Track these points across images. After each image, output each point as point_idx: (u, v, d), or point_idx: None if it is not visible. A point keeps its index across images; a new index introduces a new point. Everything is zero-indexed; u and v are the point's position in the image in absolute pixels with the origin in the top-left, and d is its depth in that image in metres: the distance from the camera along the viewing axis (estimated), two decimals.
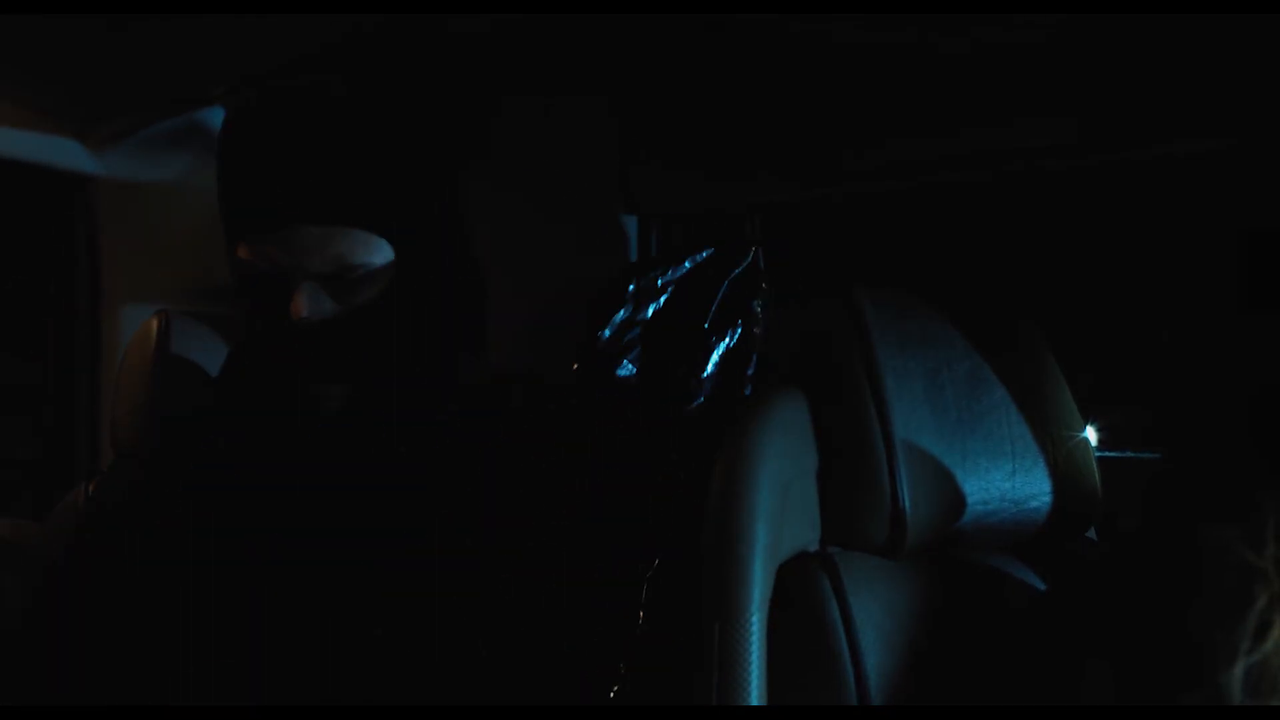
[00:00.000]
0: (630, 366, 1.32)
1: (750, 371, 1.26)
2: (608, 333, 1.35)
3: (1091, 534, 1.19)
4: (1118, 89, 1.11)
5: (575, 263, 1.53)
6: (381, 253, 1.04)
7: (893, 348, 1.02)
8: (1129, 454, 1.24)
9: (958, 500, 1.02)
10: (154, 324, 1.50)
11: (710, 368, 1.27)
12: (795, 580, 0.97)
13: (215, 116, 1.72)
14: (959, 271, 1.29)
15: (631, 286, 1.39)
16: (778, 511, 0.96)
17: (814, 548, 1.02)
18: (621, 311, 1.37)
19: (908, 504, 0.98)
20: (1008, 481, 1.05)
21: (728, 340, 1.29)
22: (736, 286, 1.35)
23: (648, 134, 1.53)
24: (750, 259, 1.39)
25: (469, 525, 1.03)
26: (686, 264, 1.41)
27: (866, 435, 0.99)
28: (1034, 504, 1.07)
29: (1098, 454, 1.16)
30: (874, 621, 0.96)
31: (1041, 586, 1.06)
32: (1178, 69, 1.05)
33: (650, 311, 1.37)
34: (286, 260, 1.02)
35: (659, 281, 1.40)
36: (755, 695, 0.92)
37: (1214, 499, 0.85)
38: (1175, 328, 0.92)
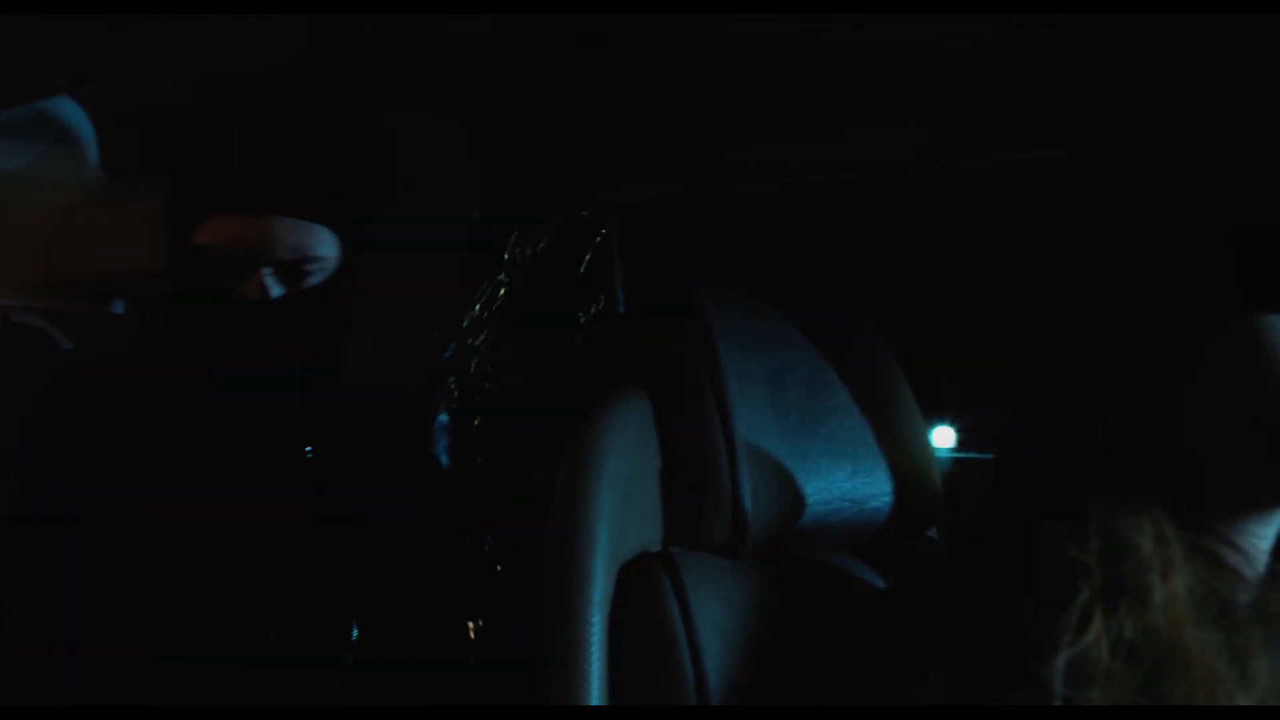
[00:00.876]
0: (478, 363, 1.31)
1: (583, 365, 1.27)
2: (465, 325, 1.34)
3: (933, 533, 1.21)
4: (966, 97, 1.14)
5: (431, 266, 1.52)
6: (330, 246, 1.08)
7: (735, 350, 1.03)
8: (971, 454, 1.28)
9: (799, 501, 1.03)
10: None
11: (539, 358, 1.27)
12: (637, 580, 0.98)
13: (63, 106, 1.68)
14: (808, 274, 1.31)
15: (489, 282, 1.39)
16: (619, 512, 0.96)
17: (656, 548, 1.03)
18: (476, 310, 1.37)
19: (749, 504, 0.99)
20: (848, 482, 1.07)
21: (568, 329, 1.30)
22: (585, 282, 1.35)
23: (505, 137, 1.53)
24: (601, 255, 1.39)
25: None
26: (535, 258, 1.41)
27: (708, 436, 1.00)
28: (875, 504, 1.09)
29: (941, 454, 1.19)
30: (715, 621, 0.96)
31: (881, 585, 1.08)
32: (1017, 80, 1.08)
33: (500, 308, 1.37)
34: (258, 244, 1.04)
35: (508, 277, 1.40)
36: (596, 695, 0.93)
37: (1047, 499, 0.87)
38: (1027, 329, 0.95)
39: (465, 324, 1.36)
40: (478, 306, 1.37)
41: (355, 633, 1.06)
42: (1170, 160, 0.89)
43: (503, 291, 1.38)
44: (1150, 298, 0.87)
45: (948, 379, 1.33)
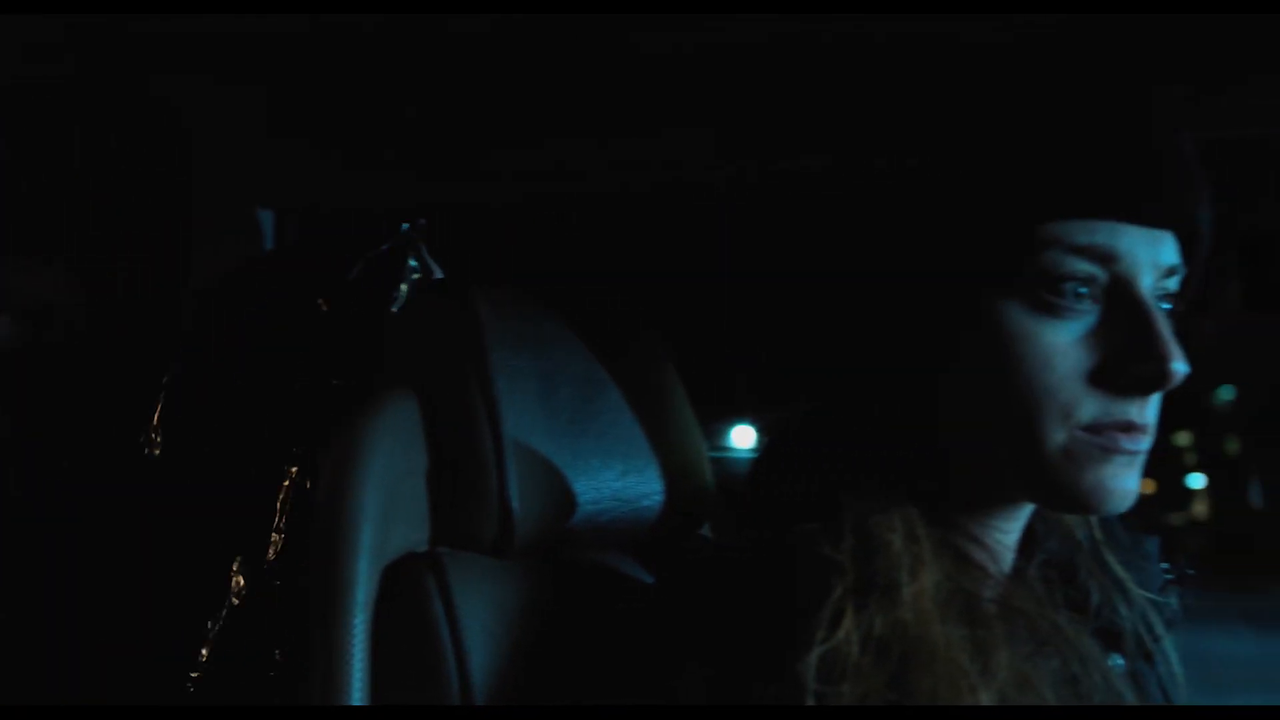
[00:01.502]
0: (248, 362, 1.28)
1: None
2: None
3: (706, 531, 1.23)
4: (750, 104, 1.16)
5: (201, 254, 1.48)
6: None
7: (507, 349, 1.03)
8: (738, 454, 1.30)
9: (568, 500, 1.04)
10: None
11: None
12: (401, 581, 0.97)
13: None
14: (590, 276, 1.32)
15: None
16: (384, 512, 0.95)
17: (423, 548, 1.02)
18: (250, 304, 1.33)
19: (516, 504, 0.99)
20: (619, 481, 1.08)
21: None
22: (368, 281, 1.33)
23: (290, 125, 1.49)
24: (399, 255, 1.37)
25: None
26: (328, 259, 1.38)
27: (475, 435, 0.99)
28: (646, 503, 1.10)
29: (711, 455, 1.21)
30: (480, 621, 0.96)
31: (651, 583, 1.10)
32: (798, 89, 1.11)
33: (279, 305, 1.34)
34: None
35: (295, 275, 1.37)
36: (358, 696, 0.92)
37: (806, 497, 0.89)
38: (823, 333, 0.97)
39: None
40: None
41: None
42: (936, 167, 0.91)
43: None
44: (910, 300, 0.90)
45: (745, 379, 1.35)
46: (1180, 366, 0.86)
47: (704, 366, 1.31)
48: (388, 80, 1.29)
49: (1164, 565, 1.10)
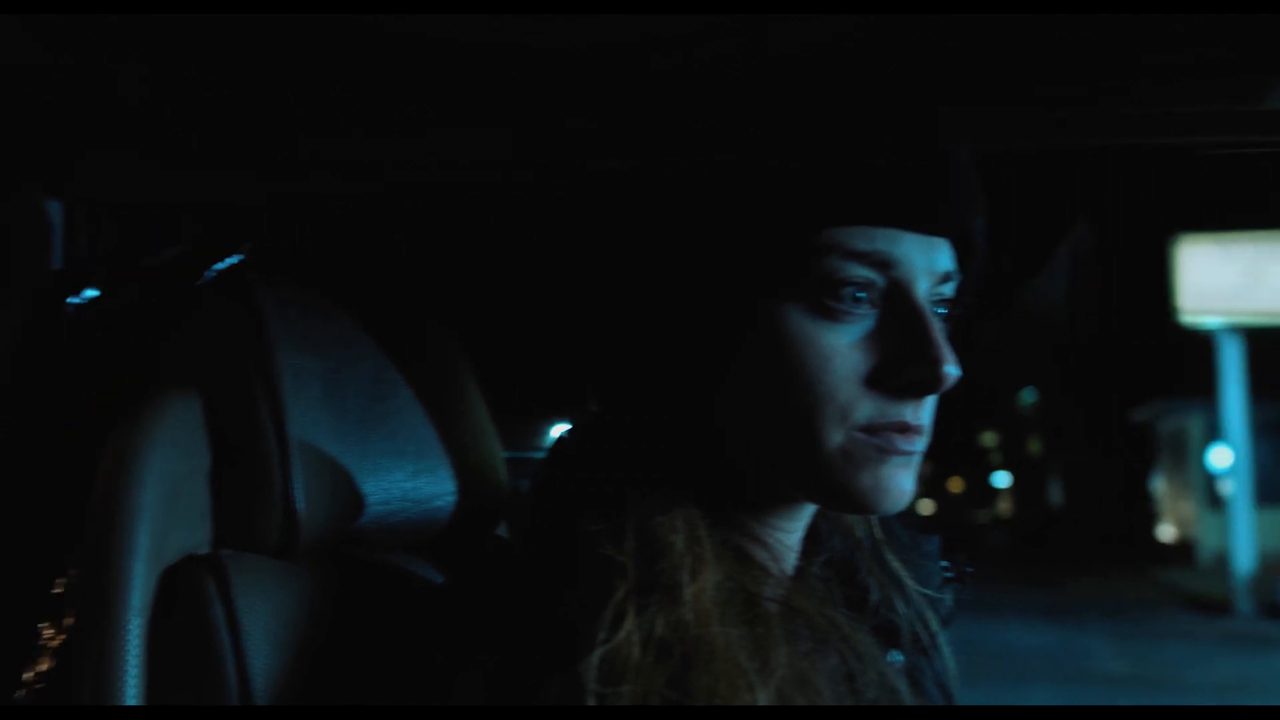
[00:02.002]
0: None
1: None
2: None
3: (502, 530, 1.24)
4: (548, 105, 1.16)
5: None
6: None
7: (293, 347, 1.01)
8: (529, 454, 1.30)
9: (356, 500, 1.03)
10: None
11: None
12: (180, 584, 0.95)
13: None
14: (388, 275, 1.31)
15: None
16: (163, 513, 0.93)
17: (205, 550, 1.00)
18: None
19: (301, 504, 0.98)
20: (410, 482, 1.07)
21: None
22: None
23: (89, 113, 1.44)
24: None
25: None
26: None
27: (258, 435, 0.98)
28: (438, 503, 1.10)
29: (506, 454, 1.21)
30: (262, 624, 0.95)
31: (440, 582, 1.09)
32: (592, 92, 1.11)
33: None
34: None
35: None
36: (131, 699, 0.90)
37: (590, 497, 0.90)
38: (608, 334, 0.97)
39: None
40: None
41: None
42: (720, 172, 0.92)
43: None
44: (692, 303, 0.91)
45: (553, 379, 1.35)
46: (952, 370, 0.88)
47: (520, 366, 1.31)
48: (184, 68, 1.26)
49: (943, 563, 1.14)
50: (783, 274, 0.88)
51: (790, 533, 0.99)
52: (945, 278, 0.92)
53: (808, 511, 0.99)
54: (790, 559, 0.99)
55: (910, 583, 1.07)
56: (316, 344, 1.04)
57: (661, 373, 0.93)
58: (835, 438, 0.89)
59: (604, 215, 0.97)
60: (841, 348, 0.88)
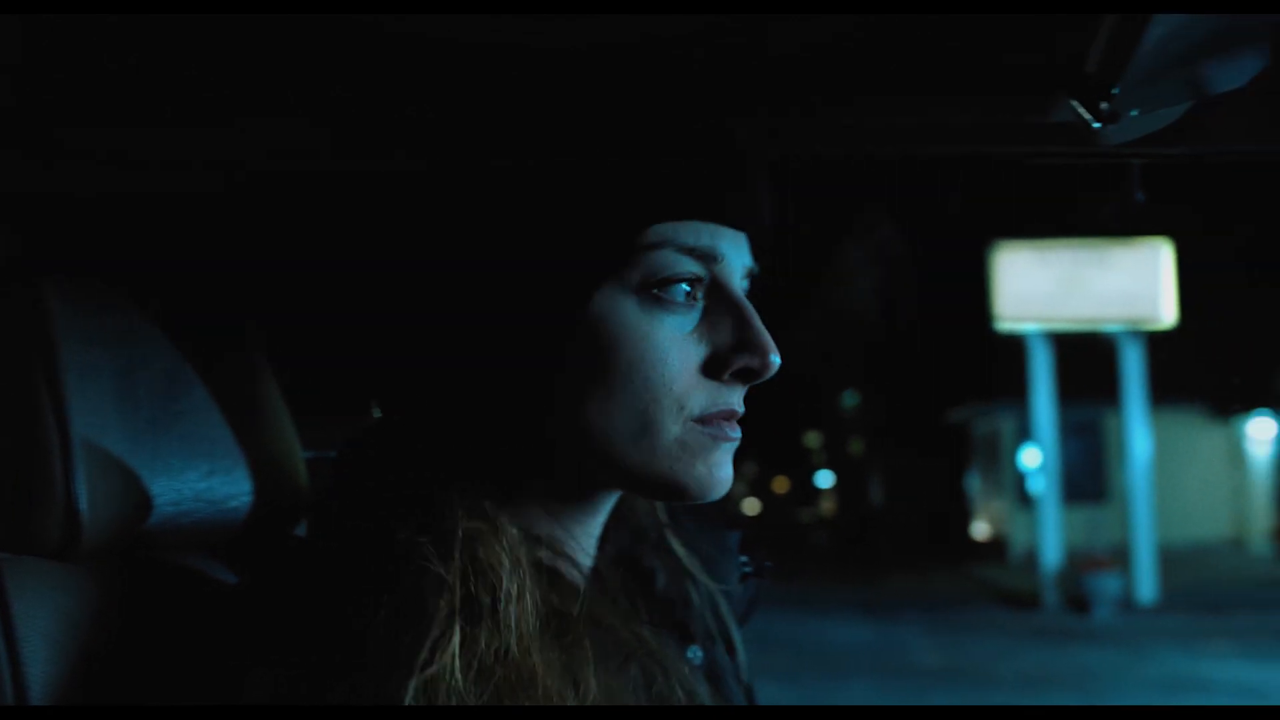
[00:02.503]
0: None
1: None
2: None
3: (301, 531, 1.21)
4: (368, 102, 1.14)
5: None
6: None
7: (79, 344, 0.98)
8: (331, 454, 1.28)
9: (145, 501, 1.00)
10: None
11: None
12: None
13: None
14: (190, 271, 1.27)
15: None
16: None
17: None
18: None
19: (84, 505, 0.94)
20: (204, 482, 1.04)
21: None
22: None
23: None
24: None
25: None
26: None
27: (38, 434, 0.94)
28: (234, 504, 1.07)
29: (307, 455, 1.19)
30: (41, 629, 0.91)
31: (234, 583, 1.07)
32: (418, 88, 1.10)
33: None
34: None
35: None
36: None
37: (407, 501, 0.88)
38: (431, 333, 0.95)
39: None
40: None
41: None
42: (553, 169, 0.92)
43: None
44: (524, 300, 0.91)
45: (357, 378, 1.33)
46: (777, 359, 0.93)
47: (324, 365, 1.29)
48: None
49: (742, 559, 1.16)
50: (617, 269, 0.90)
51: (590, 534, 1.00)
52: (749, 273, 0.97)
53: (608, 507, 1.00)
54: (587, 559, 0.99)
55: (706, 579, 1.09)
56: (107, 340, 1.01)
57: (486, 371, 0.92)
58: (673, 429, 0.91)
59: (423, 211, 0.96)
60: (677, 339, 0.91)
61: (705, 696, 1.02)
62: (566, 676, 0.86)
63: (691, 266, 0.91)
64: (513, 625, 0.83)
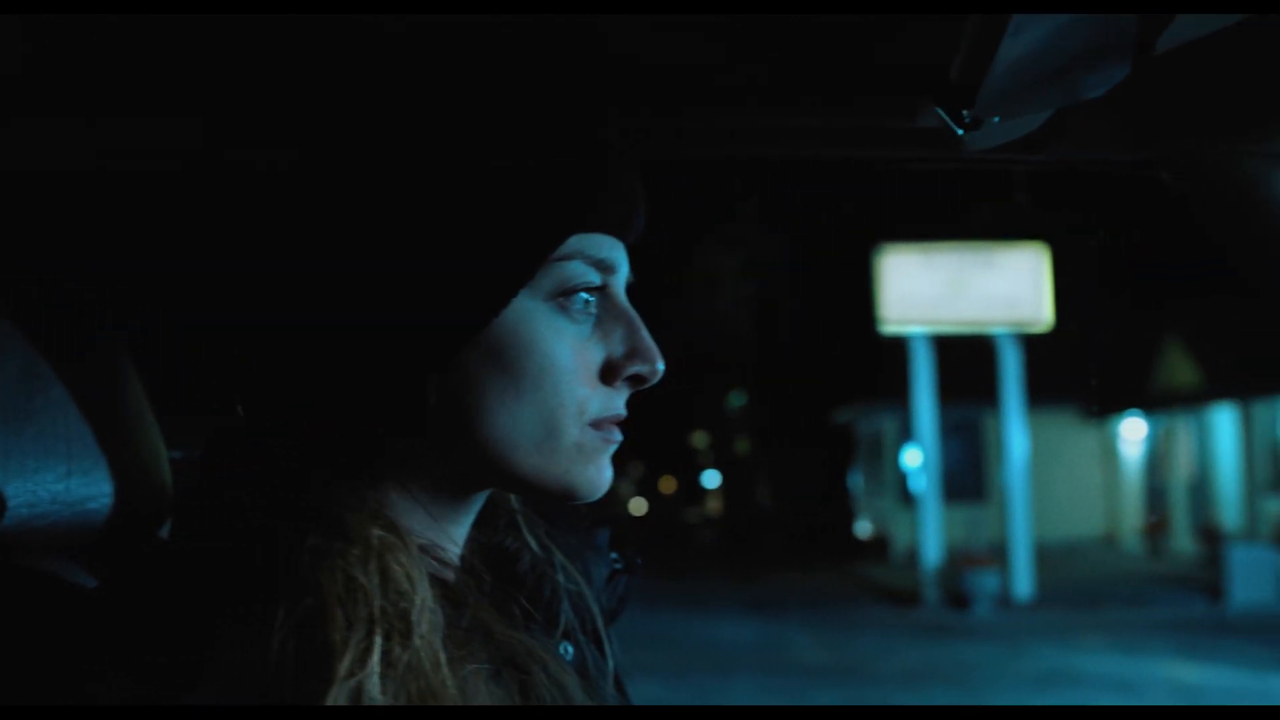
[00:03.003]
0: None
1: None
2: None
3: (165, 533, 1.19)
4: (239, 92, 1.13)
5: None
6: None
7: None
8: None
9: None
10: None
11: None
12: None
13: None
14: (47, 265, 1.24)
15: None
16: None
17: None
18: None
19: None
20: (61, 484, 1.02)
21: None
22: None
23: None
24: None
25: None
26: None
27: None
28: (93, 505, 1.05)
29: (172, 455, 1.17)
30: None
31: (93, 586, 1.04)
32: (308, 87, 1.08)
33: None
34: None
35: None
36: None
37: (282, 502, 0.87)
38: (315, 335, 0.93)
39: None
40: None
41: None
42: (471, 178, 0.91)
43: None
44: (420, 308, 0.90)
45: (226, 377, 1.30)
46: (662, 365, 0.97)
47: (191, 364, 1.26)
48: None
49: (613, 556, 1.16)
50: (529, 279, 0.91)
51: (463, 536, 1.00)
52: (629, 282, 0.99)
53: (479, 507, 1.00)
54: (456, 553, 0.99)
55: (579, 576, 1.09)
56: None
57: (380, 373, 0.91)
58: (573, 433, 0.93)
59: (313, 209, 0.94)
60: (579, 347, 0.94)
61: (580, 696, 1.03)
62: (461, 689, 0.85)
63: (594, 277, 0.93)
64: (425, 637, 0.83)
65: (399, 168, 0.92)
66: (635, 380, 0.96)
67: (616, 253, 0.96)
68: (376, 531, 0.86)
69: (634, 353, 0.95)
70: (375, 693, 0.78)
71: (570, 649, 1.07)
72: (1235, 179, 1.20)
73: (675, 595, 16.27)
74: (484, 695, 0.87)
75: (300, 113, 1.06)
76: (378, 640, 0.80)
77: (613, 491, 0.99)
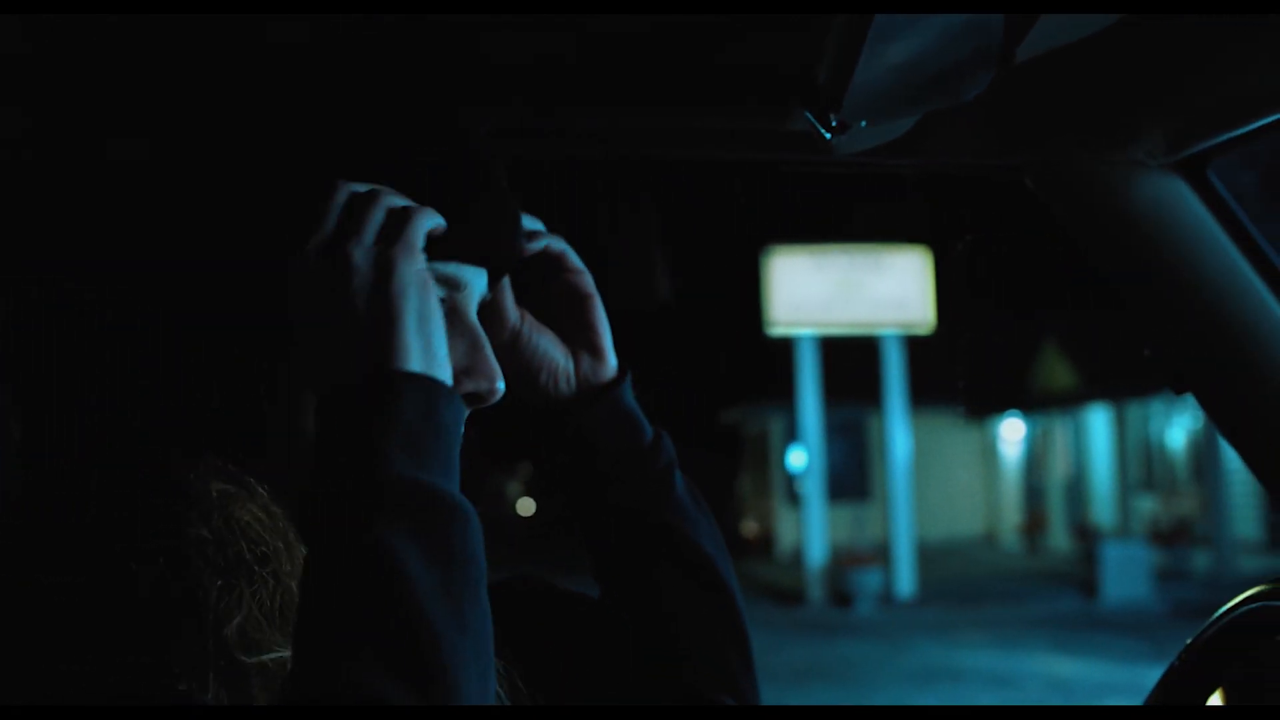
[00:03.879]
0: None
1: None
2: None
3: None
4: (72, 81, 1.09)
5: None
6: None
7: None
8: None
9: None
10: None
11: None
12: None
13: None
14: None
15: None
16: None
17: None
18: None
19: None
20: None
21: None
22: None
23: None
24: None
25: None
26: None
27: None
28: None
29: None
30: None
31: None
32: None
33: None
34: None
35: None
36: None
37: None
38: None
39: None
40: None
41: None
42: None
43: None
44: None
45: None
46: (502, 385, 0.94)
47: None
48: None
49: None
50: None
51: None
52: (483, 298, 0.98)
53: None
54: None
55: None
56: None
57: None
58: None
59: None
60: None
61: None
62: None
63: (439, 292, 0.92)
64: (292, 574, 0.84)
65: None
66: (472, 399, 0.94)
67: (465, 271, 0.94)
68: (216, 485, 0.86)
69: (472, 370, 0.94)
70: (261, 626, 0.82)
71: None
72: (1096, 186, 1.22)
73: None
74: None
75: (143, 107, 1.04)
76: (242, 584, 0.82)
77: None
